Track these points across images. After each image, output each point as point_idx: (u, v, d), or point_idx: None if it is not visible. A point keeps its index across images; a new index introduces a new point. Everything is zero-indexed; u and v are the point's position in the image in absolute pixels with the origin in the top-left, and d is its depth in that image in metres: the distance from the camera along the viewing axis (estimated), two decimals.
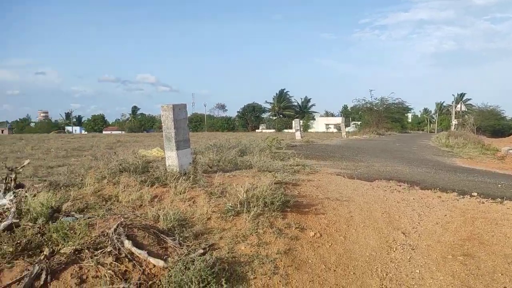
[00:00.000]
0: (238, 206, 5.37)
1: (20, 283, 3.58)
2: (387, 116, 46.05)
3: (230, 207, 5.37)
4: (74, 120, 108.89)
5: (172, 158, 6.96)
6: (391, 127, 45.47)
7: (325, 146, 18.19)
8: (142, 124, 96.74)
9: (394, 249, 5.08)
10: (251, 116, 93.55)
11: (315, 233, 5.21)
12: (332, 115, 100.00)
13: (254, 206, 5.30)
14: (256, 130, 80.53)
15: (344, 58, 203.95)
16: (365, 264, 4.76)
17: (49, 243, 4.24)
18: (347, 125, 45.00)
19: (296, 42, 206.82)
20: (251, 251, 4.61)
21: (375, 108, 45.78)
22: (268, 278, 4.22)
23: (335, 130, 62.42)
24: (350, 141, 24.79)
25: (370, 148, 18.42)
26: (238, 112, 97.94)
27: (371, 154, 15.06)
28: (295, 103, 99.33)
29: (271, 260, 4.47)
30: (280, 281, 4.21)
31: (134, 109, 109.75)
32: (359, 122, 54.96)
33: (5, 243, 4.13)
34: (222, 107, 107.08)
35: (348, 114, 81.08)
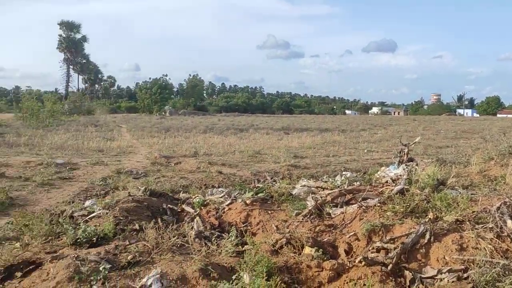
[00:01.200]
0: None
1: (408, 237, 4.26)
2: None
3: None
4: (466, 102, 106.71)
5: None
6: None
7: None
8: None
9: None
10: None
11: None
12: None
13: None
14: None
15: None
16: None
17: (433, 209, 4.80)
18: None
19: None
20: None
21: None
22: None
23: None
24: None
25: None
26: None
27: None
28: None
29: None
30: None
31: None
32: None
33: (397, 203, 4.99)
34: None
35: None
